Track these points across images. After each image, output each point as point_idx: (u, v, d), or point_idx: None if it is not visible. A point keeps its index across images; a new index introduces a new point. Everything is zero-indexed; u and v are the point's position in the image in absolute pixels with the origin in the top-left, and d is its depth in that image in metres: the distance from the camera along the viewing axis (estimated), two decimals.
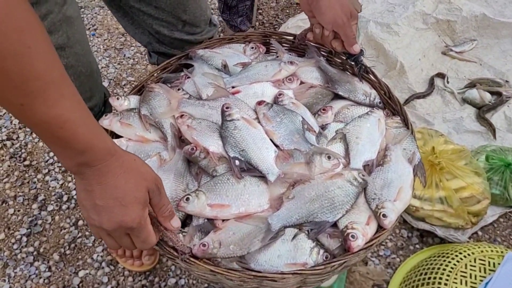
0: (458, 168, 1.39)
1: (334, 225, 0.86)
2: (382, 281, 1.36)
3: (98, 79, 1.28)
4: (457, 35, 1.99)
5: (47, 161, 1.70)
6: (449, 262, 1.21)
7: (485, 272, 1.17)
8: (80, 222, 1.53)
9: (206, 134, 0.96)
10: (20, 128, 1.81)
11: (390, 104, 1.07)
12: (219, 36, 1.42)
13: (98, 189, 0.67)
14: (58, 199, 1.59)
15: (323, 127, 1.02)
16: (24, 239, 1.50)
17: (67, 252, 1.46)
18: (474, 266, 1.18)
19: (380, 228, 0.86)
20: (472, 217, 1.39)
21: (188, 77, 1.13)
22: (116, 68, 2.06)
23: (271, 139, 0.95)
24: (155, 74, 1.15)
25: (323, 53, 1.17)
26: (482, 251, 1.22)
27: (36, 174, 1.66)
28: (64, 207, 1.57)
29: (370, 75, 1.12)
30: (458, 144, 1.51)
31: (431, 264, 1.25)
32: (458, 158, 1.42)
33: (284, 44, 1.22)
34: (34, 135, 1.78)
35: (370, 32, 1.94)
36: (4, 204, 1.58)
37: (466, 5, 1.98)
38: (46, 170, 1.67)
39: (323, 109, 1.05)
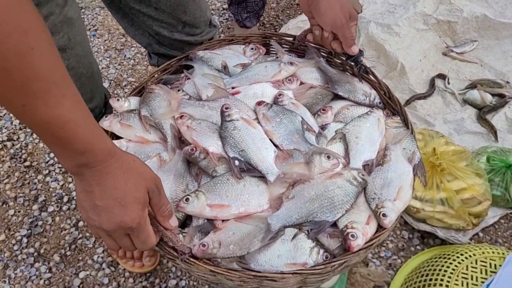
0: (459, 169, 1.39)
1: (334, 224, 0.86)
2: (383, 282, 1.36)
3: (99, 80, 1.28)
4: (458, 36, 1.98)
5: (47, 162, 1.70)
6: (450, 263, 1.21)
7: (486, 274, 1.17)
8: (81, 223, 1.53)
9: (205, 135, 0.96)
10: (20, 129, 1.81)
11: (390, 104, 1.07)
12: (219, 37, 1.42)
13: (98, 189, 0.67)
14: (59, 200, 1.59)
15: (322, 127, 1.02)
16: (25, 240, 1.50)
17: (68, 253, 1.46)
18: (475, 268, 1.18)
19: (380, 227, 0.86)
20: (473, 218, 1.38)
21: (188, 78, 1.14)
22: (116, 68, 2.07)
23: (270, 139, 0.95)
24: (155, 75, 1.15)
25: (323, 53, 1.17)
26: (483, 253, 1.21)
27: (37, 175, 1.67)
28: (64, 208, 1.57)
29: (370, 76, 1.12)
30: (459, 145, 1.50)
31: (432, 265, 1.25)
32: (459, 159, 1.42)
33: (284, 45, 1.22)
34: (34, 136, 1.78)
35: (371, 33, 1.94)
36: (4, 205, 1.59)
37: (467, 6, 1.98)
38: (47, 171, 1.68)
39: (323, 109, 1.05)
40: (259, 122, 0.99)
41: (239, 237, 0.83)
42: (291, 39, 1.21)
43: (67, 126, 0.60)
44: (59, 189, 1.62)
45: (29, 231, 1.52)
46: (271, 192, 0.88)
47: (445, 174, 1.38)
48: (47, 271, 1.43)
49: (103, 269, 1.43)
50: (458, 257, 1.22)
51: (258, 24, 2.16)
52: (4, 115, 1.87)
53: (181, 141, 1.01)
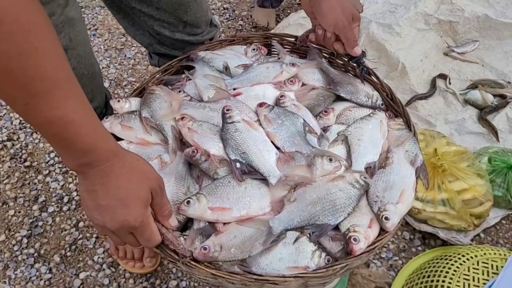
0: (461, 170, 1.39)
1: (336, 227, 0.85)
2: (384, 284, 1.36)
3: (100, 80, 1.28)
4: (459, 36, 1.98)
5: (47, 162, 1.70)
6: (452, 264, 1.20)
7: (488, 275, 1.16)
8: (81, 224, 1.53)
9: (207, 137, 0.95)
10: (20, 129, 1.81)
11: (392, 106, 1.07)
12: (220, 36, 1.41)
13: (101, 189, 0.67)
14: (59, 201, 1.59)
15: (324, 129, 1.01)
16: (25, 240, 1.49)
17: (68, 253, 1.46)
18: (477, 269, 1.18)
19: (382, 230, 0.85)
20: (474, 219, 1.38)
21: (189, 79, 1.13)
22: (117, 68, 2.06)
23: (272, 142, 0.94)
24: (156, 76, 1.15)
25: (325, 54, 1.16)
26: (485, 254, 1.21)
27: (37, 175, 1.66)
28: (65, 208, 1.57)
29: (372, 77, 1.11)
30: (461, 146, 1.50)
31: (434, 266, 1.25)
32: (460, 160, 1.41)
33: (285, 46, 1.21)
34: (34, 136, 1.77)
35: (372, 33, 1.94)
36: (4, 206, 1.58)
37: (468, 6, 1.98)
38: (47, 171, 1.67)
39: (325, 111, 1.04)
40: (260, 124, 0.98)
41: (241, 240, 0.83)
42: (293, 39, 1.20)
43: (70, 126, 0.61)
44: (59, 189, 1.62)
45: (29, 231, 1.51)
46: (272, 195, 0.87)
47: (446, 174, 1.38)
48: (47, 271, 1.42)
49: (104, 269, 1.42)
50: (459, 258, 1.22)
51: (278, 9, 2.11)
52: (4, 115, 1.86)
53: (182, 143, 1.00)
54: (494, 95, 1.76)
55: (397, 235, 1.48)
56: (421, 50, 1.92)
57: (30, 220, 1.54)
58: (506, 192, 1.45)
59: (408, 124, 1.02)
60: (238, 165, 0.90)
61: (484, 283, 1.14)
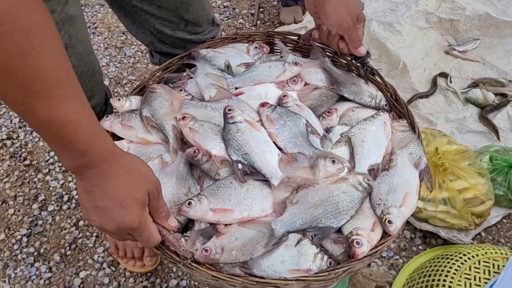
0: (462, 168, 1.38)
1: (339, 230, 0.85)
2: (385, 283, 1.35)
3: (100, 78, 1.27)
4: (460, 34, 1.97)
5: (47, 161, 1.69)
6: (453, 264, 1.20)
7: (489, 275, 1.16)
8: (81, 223, 1.52)
9: (208, 137, 0.95)
10: (20, 127, 1.80)
11: (396, 107, 1.06)
12: (221, 35, 1.40)
13: (98, 190, 0.67)
14: (59, 199, 1.58)
15: (327, 130, 1.00)
16: (25, 239, 1.49)
17: (68, 252, 1.46)
18: (479, 268, 1.18)
19: (385, 233, 0.85)
20: (475, 218, 1.38)
21: (191, 78, 1.12)
22: (116, 66, 2.05)
23: (274, 142, 0.94)
24: (157, 74, 1.14)
25: (328, 53, 1.15)
26: (486, 253, 1.21)
27: (37, 174, 1.65)
28: (64, 207, 1.56)
29: (376, 77, 1.10)
30: (462, 145, 1.50)
31: (435, 266, 1.24)
32: (461, 159, 1.41)
33: (288, 44, 1.20)
34: (34, 135, 1.77)
35: (373, 31, 1.93)
36: (4, 204, 1.57)
37: (469, 4, 1.97)
38: (47, 170, 1.66)
39: (328, 112, 1.03)
40: (262, 124, 0.97)
41: (242, 242, 0.82)
42: (296, 38, 1.19)
43: (68, 126, 0.60)
44: (59, 188, 1.61)
45: (29, 230, 1.51)
46: (274, 197, 0.87)
47: (447, 173, 1.37)
48: (47, 270, 1.42)
49: (104, 268, 1.42)
50: (461, 257, 1.21)
51: (303, 6, 2.11)
52: (3, 113, 1.85)
53: (183, 143, 1.00)
54: (495, 94, 1.75)
55: (398, 234, 1.47)
56: (422, 49, 1.92)
57: (30, 219, 1.53)
58: (507, 191, 1.44)
59: (412, 126, 1.01)
60: (240, 166, 0.89)
61: (486, 282, 1.14)
